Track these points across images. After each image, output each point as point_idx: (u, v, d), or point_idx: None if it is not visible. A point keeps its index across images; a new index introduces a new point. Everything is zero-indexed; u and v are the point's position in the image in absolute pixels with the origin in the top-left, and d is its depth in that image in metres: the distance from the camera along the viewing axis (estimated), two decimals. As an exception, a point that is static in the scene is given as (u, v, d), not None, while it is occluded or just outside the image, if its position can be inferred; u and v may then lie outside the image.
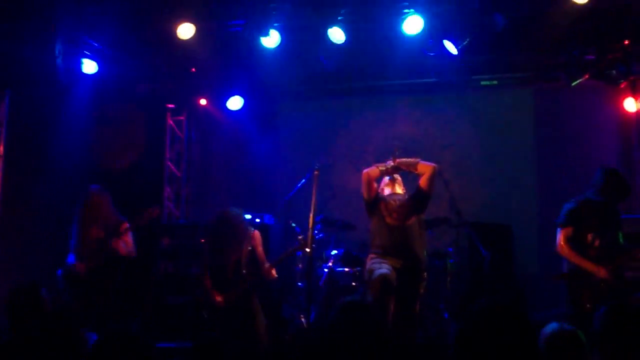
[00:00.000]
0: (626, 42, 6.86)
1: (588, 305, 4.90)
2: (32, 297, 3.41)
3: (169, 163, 8.70)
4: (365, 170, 5.32)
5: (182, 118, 8.86)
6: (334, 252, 6.72)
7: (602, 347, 2.81)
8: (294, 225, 6.67)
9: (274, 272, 5.34)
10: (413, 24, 6.32)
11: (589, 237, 5.03)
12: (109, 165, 7.70)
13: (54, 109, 7.34)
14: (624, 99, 7.38)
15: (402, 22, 6.33)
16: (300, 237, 5.54)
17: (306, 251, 5.47)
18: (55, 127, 7.37)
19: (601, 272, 4.90)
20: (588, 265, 4.95)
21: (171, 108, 8.71)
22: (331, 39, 6.50)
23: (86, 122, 7.70)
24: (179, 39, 6.64)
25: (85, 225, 5.55)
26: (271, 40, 6.61)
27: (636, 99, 7.29)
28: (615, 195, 5.10)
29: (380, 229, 5.21)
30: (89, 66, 7.26)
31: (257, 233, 5.51)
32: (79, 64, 7.22)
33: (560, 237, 5.11)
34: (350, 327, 2.63)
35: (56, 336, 2.39)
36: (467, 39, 6.58)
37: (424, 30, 6.39)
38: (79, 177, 7.03)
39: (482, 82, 7.82)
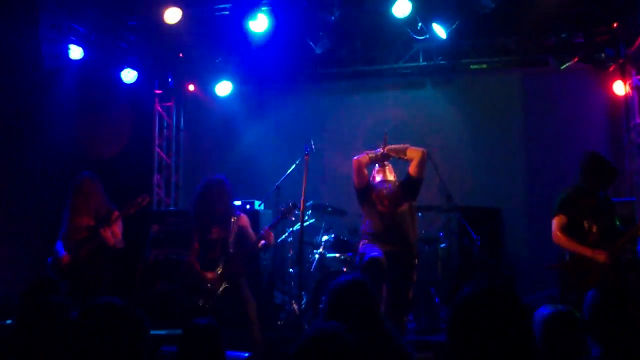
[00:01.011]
0: (615, 25, 6.88)
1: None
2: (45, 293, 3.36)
3: (158, 150, 8.63)
4: (355, 158, 5.29)
5: (170, 104, 8.79)
6: (325, 237, 6.71)
7: (595, 331, 2.82)
8: (283, 208, 6.63)
9: (271, 235, 5.34)
10: (402, 7, 6.29)
11: (585, 223, 5.02)
12: (96, 153, 7.62)
13: (39, 96, 7.24)
14: (612, 82, 7.39)
15: (391, 5, 6.29)
16: (288, 203, 5.52)
17: (295, 216, 5.45)
18: (40, 114, 7.27)
19: (601, 257, 4.89)
20: (587, 251, 4.93)
21: (159, 94, 8.63)
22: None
23: (72, 109, 7.60)
24: (165, 23, 6.56)
25: (76, 213, 5.47)
26: (259, 24, 6.55)
27: (625, 82, 7.31)
28: (602, 179, 5.10)
29: (372, 216, 5.21)
30: (75, 52, 7.16)
31: (244, 216, 5.50)
32: (65, 49, 7.11)
33: (555, 227, 5.07)
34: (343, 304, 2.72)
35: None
36: (456, 23, 6.55)
37: (412, 13, 6.36)
38: (66, 165, 6.95)
39: (472, 66, 7.80)
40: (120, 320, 2.21)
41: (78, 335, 2.20)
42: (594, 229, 4.98)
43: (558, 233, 5.03)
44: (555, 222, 5.06)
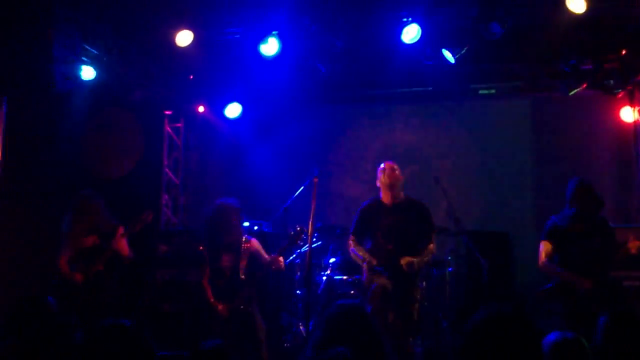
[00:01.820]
0: (623, 51, 6.90)
1: (579, 318, 4.90)
2: (38, 306, 3.34)
3: (167, 170, 8.67)
4: (351, 248, 5.50)
5: (179, 125, 8.85)
6: (332, 259, 6.70)
7: (605, 356, 2.80)
8: (292, 232, 6.64)
9: (281, 260, 5.33)
10: (411, 33, 6.34)
11: (570, 250, 5.06)
12: (106, 173, 7.67)
13: (52, 116, 7.31)
14: (621, 108, 7.40)
15: (401, 30, 6.35)
16: (296, 227, 5.53)
17: (304, 241, 5.50)
18: (52, 134, 7.33)
19: (585, 283, 4.92)
20: (571, 277, 4.97)
21: (169, 115, 8.69)
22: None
23: (83, 129, 7.66)
24: (177, 45, 6.63)
25: (78, 232, 5.48)
26: (270, 47, 6.61)
27: (633, 109, 7.32)
28: (587, 205, 5.10)
29: (374, 245, 5.33)
30: (87, 72, 7.23)
31: (254, 241, 5.51)
32: (77, 70, 7.19)
33: (540, 253, 5.17)
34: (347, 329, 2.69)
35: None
36: (465, 48, 6.60)
37: (421, 38, 6.41)
38: (76, 184, 6.99)
39: (480, 91, 7.84)
40: (128, 341, 2.21)
41: (84, 357, 2.20)
42: (579, 255, 4.99)
43: (542, 260, 5.12)
44: (541, 249, 5.15)
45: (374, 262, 5.25)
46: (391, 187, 5.41)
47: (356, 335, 2.70)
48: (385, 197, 5.48)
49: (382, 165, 5.56)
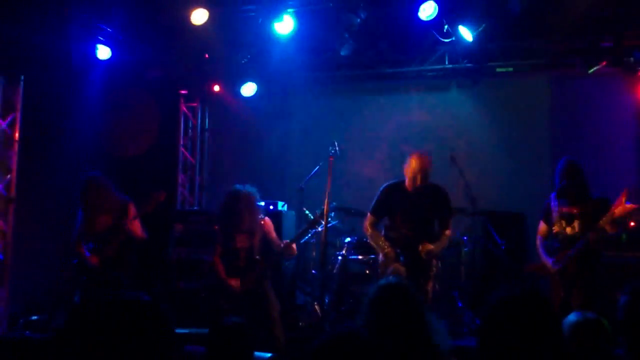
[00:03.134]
0: (644, 28, 6.78)
1: (556, 298, 4.93)
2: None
3: (183, 150, 8.70)
4: (368, 234, 5.49)
5: (195, 104, 8.86)
6: (348, 239, 6.71)
7: (627, 334, 2.77)
8: (307, 212, 6.66)
9: (294, 247, 5.36)
10: (428, 10, 6.26)
11: (554, 230, 5.07)
12: (122, 152, 7.71)
13: (68, 95, 7.35)
14: (640, 86, 7.28)
15: (417, 7, 6.27)
16: (316, 213, 5.54)
17: (320, 228, 5.51)
18: (69, 113, 7.38)
19: (547, 265, 4.95)
20: (542, 258, 5.05)
21: (184, 94, 8.70)
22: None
23: (100, 108, 7.70)
24: (192, 24, 6.61)
25: (93, 213, 5.51)
26: (285, 25, 6.57)
27: (653, 87, 7.20)
28: (569, 186, 5.05)
29: (392, 228, 5.35)
30: (103, 52, 7.24)
31: (267, 220, 5.52)
32: (93, 49, 7.21)
33: (537, 231, 5.29)
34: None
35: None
36: (483, 25, 6.51)
37: (438, 15, 6.33)
38: (92, 163, 7.04)
39: (498, 69, 7.72)
40: (148, 315, 2.21)
41: (103, 331, 2.21)
42: (560, 235, 4.99)
43: (537, 238, 5.25)
44: (539, 228, 5.27)
45: (392, 255, 5.25)
46: (413, 178, 5.37)
47: (402, 315, 2.68)
48: (408, 183, 5.44)
49: (412, 155, 5.47)
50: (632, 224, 5.99)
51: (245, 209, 5.33)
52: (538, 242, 5.25)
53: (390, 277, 3.54)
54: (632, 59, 6.95)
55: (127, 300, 2.27)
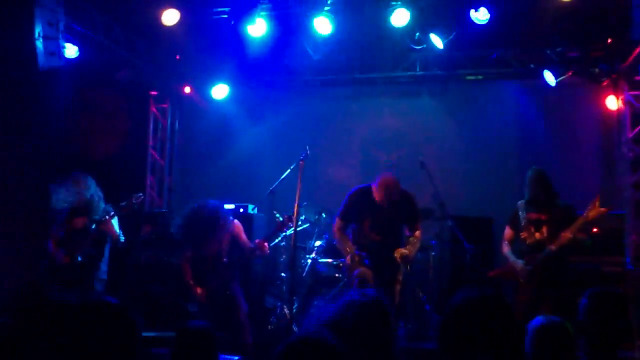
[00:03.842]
0: (609, 40, 6.95)
1: (521, 302, 5.04)
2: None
3: (152, 151, 8.62)
4: (336, 238, 5.47)
5: (165, 106, 8.78)
6: (318, 243, 6.72)
7: (587, 336, 2.84)
8: (277, 215, 6.64)
9: (266, 245, 5.33)
10: (400, 17, 6.33)
11: (521, 236, 5.20)
12: (90, 153, 7.59)
13: (34, 94, 7.20)
14: (605, 96, 7.46)
15: (389, 14, 6.33)
16: (284, 215, 5.53)
17: (290, 228, 5.50)
18: (35, 113, 7.23)
19: (516, 267, 5.07)
20: (510, 262, 5.16)
21: (154, 95, 8.62)
22: (317, 29, 6.47)
23: (67, 108, 7.56)
24: (163, 24, 6.56)
25: (69, 213, 5.45)
26: (257, 28, 6.56)
27: (617, 97, 7.38)
28: (538, 194, 5.19)
29: (360, 233, 5.39)
30: (71, 50, 7.13)
31: (237, 222, 5.50)
32: (60, 48, 7.08)
33: (503, 236, 5.40)
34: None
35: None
36: (453, 34, 6.60)
37: (410, 23, 6.40)
38: (59, 164, 6.92)
39: (467, 77, 7.86)
40: (114, 319, 2.19)
41: (69, 333, 2.18)
42: (527, 241, 5.12)
43: (503, 243, 5.36)
44: (505, 233, 5.39)
45: (357, 259, 5.26)
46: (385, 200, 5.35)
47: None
48: (377, 196, 5.40)
49: (382, 182, 5.42)
50: (595, 230, 6.13)
51: (210, 228, 5.26)
52: (505, 246, 5.34)
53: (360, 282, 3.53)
54: (597, 69, 7.14)
55: (93, 303, 2.24)
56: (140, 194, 5.59)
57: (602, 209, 4.94)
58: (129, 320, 2.21)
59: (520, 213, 5.26)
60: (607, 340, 2.83)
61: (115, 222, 5.48)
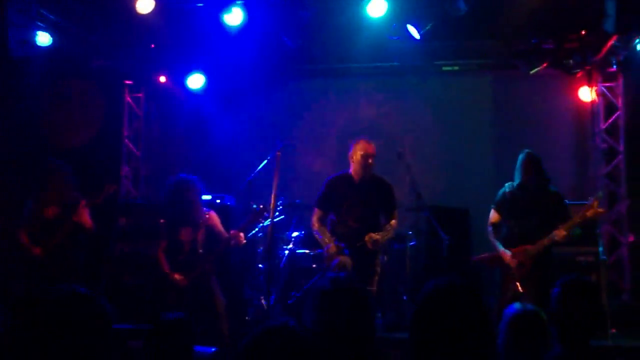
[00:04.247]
0: (583, 32, 7.02)
1: (508, 290, 5.07)
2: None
3: (127, 141, 8.51)
4: (315, 228, 5.47)
5: (140, 95, 8.66)
6: (295, 233, 6.71)
7: (558, 324, 2.89)
8: (255, 206, 6.61)
9: (242, 235, 5.32)
10: (377, 7, 6.32)
11: (510, 222, 5.22)
12: (64, 143, 7.47)
13: (6, 82, 7.06)
14: (579, 88, 7.55)
15: (366, 4, 6.31)
16: (260, 205, 5.52)
17: (267, 217, 5.51)
18: (7, 101, 7.10)
19: (506, 257, 5.10)
20: (499, 250, 5.15)
21: (129, 85, 8.50)
22: (294, 19, 6.39)
23: (40, 97, 7.44)
24: (137, 12, 6.46)
25: (42, 203, 5.37)
26: (234, 17, 6.51)
27: (591, 89, 7.48)
28: (531, 178, 5.20)
29: (338, 220, 5.40)
30: (43, 38, 7.00)
31: (213, 213, 5.49)
32: (33, 36, 6.95)
33: (489, 220, 5.38)
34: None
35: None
36: (430, 24, 6.61)
37: (387, 13, 6.39)
38: (32, 154, 6.81)
39: (444, 68, 7.89)
40: (86, 309, 2.16)
41: (38, 323, 2.14)
42: (516, 228, 5.15)
43: (488, 226, 5.36)
44: (489, 216, 5.37)
45: (334, 250, 5.29)
46: (365, 165, 5.37)
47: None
48: (355, 173, 5.47)
49: (358, 141, 5.49)
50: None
51: (188, 199, 5.28)
52: (490, 231, 5.32)
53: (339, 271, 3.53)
54: (571, 61, 7.20)
55: (64, 294, 2.21)
56: (113, 184, 5.51)
57: (600, 210, 5.04)
58: (101, 311, 2.18)
59: (508, 197, 5.25)
60: (578, 329, 2.87)
61: (87, 213, 5.41)
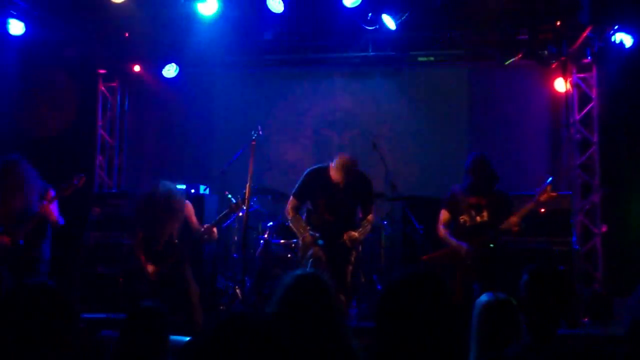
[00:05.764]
0: (558, 23, 7.07)
1: (460, 285, 5.13)
2: None
3: (101, 131, 8.43)
4: (290, 217, 5.49)
5: (114, 84, 8.57)
6: (270, 223, 6.71)
7: (527, 311, 2.92)
8: (229, 196, 6.59)
9: (215, 231, 5.32)
10: (352, -4, 6.30)
11: (461, 219, 5.31)
12: (37, 133, 7.39)
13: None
14: (554, 79, 7.60)
15: (342, -6, 6.30)
16: (238, 198, 5.51)
17: (242, 212, 5.49)
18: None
19: (462, 250, 5.18)
20: (454, 244, 5.22)
21: (103, 74, 8.40)
22: (270, 7, 6.41)
23: (12, 86, 7.34)
24: (111, 1, 6.39)
25: (5, 196, 5.28)
26: (208, 7, 6.46)
27: (565, 80, 7.53)
28: (481, 178, 5.32)
29: (314, 212, 5.41)
30: (16, 27, 6.90)
31: (188, 204, 5.47)
32: (5, 24, 6.85)
33: (439, 221, 5.46)
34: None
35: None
36: (405, 14, 6.62)
37: (363, 3, 6.38)
38: (4, 145, 6.72)
39: (419, 58, 7.89)
40: (50, 301, 2.15)
41: (3, 316, 2.14)
42: (467, 224, 5.24)
43: (439, 227, 5.42)
44: (440, 217, 5.45)
45: (309, 240, 5.29)
46: (344, 178, 5.34)
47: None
48: (334, 176, 5.42)
49: (343, 157, 5.42)
50: (543, 210, 6.28)
51: (166, 213, 5.22)
52: (442, 229, 5.40)
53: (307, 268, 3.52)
54: (546, 52, 7.24)
55: (29, 286, 2.20)
56: (82, 174, 5.43)
57: (553, 193, 5.14)
58: (65, 303, 2.18)
59: (458, 197, 5.35)
60: (546, 317, 2.90)
61: (54, 204, 5.34)
